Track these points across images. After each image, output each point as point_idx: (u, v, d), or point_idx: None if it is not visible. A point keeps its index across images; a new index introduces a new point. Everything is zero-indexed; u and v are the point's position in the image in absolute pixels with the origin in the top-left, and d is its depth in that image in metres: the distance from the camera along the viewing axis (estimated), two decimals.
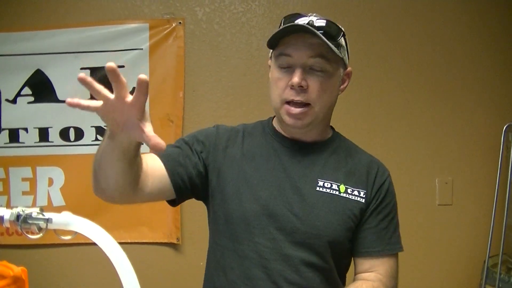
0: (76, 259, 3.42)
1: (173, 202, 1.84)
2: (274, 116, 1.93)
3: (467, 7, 3.45)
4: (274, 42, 1.73)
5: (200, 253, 3.35)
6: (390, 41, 3.45)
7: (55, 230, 0.84)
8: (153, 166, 1.72)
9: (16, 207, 0.82)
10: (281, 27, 1.70)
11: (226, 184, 1.79)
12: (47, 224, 0.78)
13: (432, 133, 3.46)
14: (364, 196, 1.80)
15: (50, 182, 3.43)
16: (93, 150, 3.29)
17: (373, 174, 1.85)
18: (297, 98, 1.69)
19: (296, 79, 1.66)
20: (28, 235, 0.79)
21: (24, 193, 3.44)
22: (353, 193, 1.79)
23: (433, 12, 3.45)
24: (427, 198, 3.46)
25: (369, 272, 1.82)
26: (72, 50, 3.40)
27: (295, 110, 1.71)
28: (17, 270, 0.80)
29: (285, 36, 1.70)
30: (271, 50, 1.80)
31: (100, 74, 3.34)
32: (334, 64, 1.73)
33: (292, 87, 1.69)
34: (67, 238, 0.84)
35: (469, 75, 3.46)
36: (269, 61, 1.84)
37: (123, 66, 3.35)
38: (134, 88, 3.30)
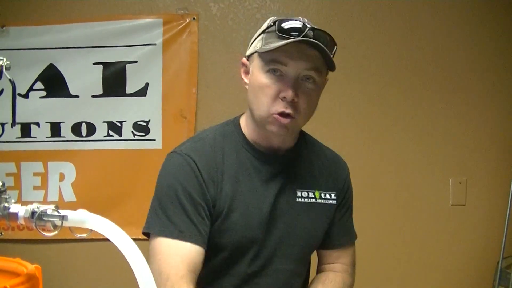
0: (89, 255, 3.41)
1: None
2: (239, 119, 1.85)
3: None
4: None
5: None
6: (404, 37, 3.42)
7: (70, 228, 0.82)
8: (195, 258, 1.62)
9: (31, 203, 0.80)
10: (284, 42, 1.57)
11: (219, 214, 1.70)
12: (62, 222, 0.76)
13: (446, 133, 3.44)
14: (335, 197, 1.86)
15: (62, 177, 3.42)
16: (105, 145, 3.36)
17: (339, 173, 1.90)
18: (288, 111, 1.61)
19: (290, 93, 1.58)
20: (43, 232, 0.77)
21: (35, 188, 3.43)
22: (325, 197, 1.84)
23: (451, 6, 3.42)
24: (441, 198, 3.44)
25: (334, 263, 1.91)
26: (85, 44, 3.38)
27: (285, 121, 1.62)
28: (31, 268, 0.79)
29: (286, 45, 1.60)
30: (253, 51, 1.72)
31: (113, 69, 3.34)
32: (323, 75, 1.68)
33: (283, 99, 1.61)
34: (82, 236, 0.82)
35: (485, 74, 3.43)
36: (244, 59, 1.77)
37: (136, 62, 3.34)
38: (147, 83, 3.32)
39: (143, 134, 3.38)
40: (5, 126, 3.39)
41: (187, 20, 3.38)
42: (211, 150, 1.74)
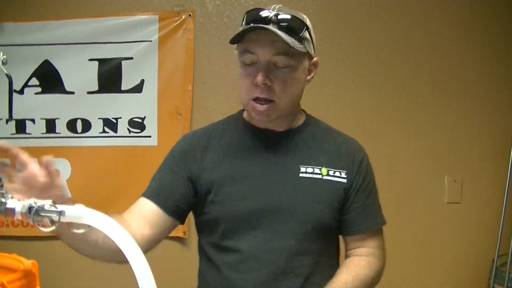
0: None
1: (180, 223, 1.88)
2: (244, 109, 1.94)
3: None
4: (237, 39, 1.72)
5: None
6: (400, 35, 3.42)
7: (67, 223, 0.82)
8: (149, 215, 1.78)
9: (28, 198, 0.79)
10: (241, 28, 1.70)
11: (211, 187, 1.80)
12: (59, 217, 0.76)
13: (441, 131, 3.43)
14: (346, 176, 1.83)
15: (56, 174, 3.40)
16: (100, 142, 3.35)
17: (352, 154, 1.88)
18: (262, 96, 1.70)
19: (259, 77, 1.67)
20: (41, 228, 0.77)
21: None
22: (335, 175, 1.82)
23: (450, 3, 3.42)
24: (436, 196, 3.44)
25: (359, 247, 1.90)
26: (80, 41, 3.37)
27: (261, 107, 1.72)
28: (27, 263, 0.78)
29: (249, 32, 1.68)
30: (236, 45, 1.78)
31: (108, 65, 3.33)
32: (298, 58, 1.72)
33: (257, 85, 1.69)
34: (80, 231, 0.82)
35: (481, 72, 3.43)
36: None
37: (131, 58, 3.34)
38: (142, 80, 3.31)
39: (139, 130, 3.37)
40: (0, 122, 3.37)
41: (183, 17, 3.37)
42: (207, 132, 1.92)
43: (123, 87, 3.37)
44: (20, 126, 3.41)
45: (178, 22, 3.38)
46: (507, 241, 3.05)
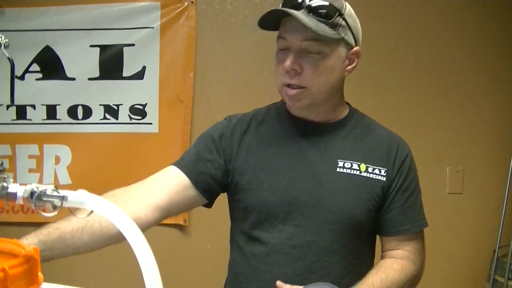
0: None
1: (206, 205, 1.83)
2: None
3: None
4: (271, 25, 1.71)
5: (207, 236, 3.37)
6: (402, 30, 3.41)
7: (69, 208, 0.81)
8: (175, 184, 1.74)
9: (30, 183, 0.78)
10: (265, 12, 1.66)
11: (245, 173, 1.77)
12: (62, 202, 0.75)
13: (443, 122, 3.42)
14: (385, 174, 1.76)
15: (57, 160, 3.41)
16: (101, 128, 3.34)
17: (394, 151, 1.80)
18: (292, 82, 1.67)
19: (287, 62, 1.64)
20: (43, 213, 0.75)
21: (30, 170, 3.41)
22: (374, 172, 1.75)
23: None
24: (437, 187, 3.43)
25: (396, 250, 1.81)
26: (82, 27, 3.35)
27: (291, 92, 1.68)
28: (29, 249, 0.77)
29: (272, 16, 1.66)
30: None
31: (110, 52, 3.32)
32: (331, 45, 1.67)
33: (287, 70, 1.66)
34: (82, 216, 0.81)
35: (483, 63, 3.41)
36: None
37: (133, 45, 3.32)
38: (144, 67, 3.29)
39: (140, 117, 3.36)
40: (0, 108, 3.37)
41: (185, 4, 3.35)
42: (249, 117, 1.88)
43: (125, 74, 3.35)
44: (21, 112, 3.39)
45: (180, 9, 3.36)
46: (508, 232, 3.05)
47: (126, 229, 0.73)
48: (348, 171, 1.73)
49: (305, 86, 1.67)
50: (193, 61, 3.36)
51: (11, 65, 0.91)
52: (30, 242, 1.43)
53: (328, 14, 1.64)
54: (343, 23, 1.68)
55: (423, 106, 3.42)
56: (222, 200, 1.89)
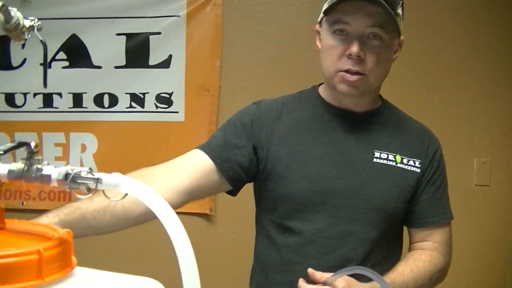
0: None
1: (231, 193, 1.81)
2: (319, 85, 1.88)
3: None
4: (330, 8, 1.66)
5: (233, 225, 3.36)
6: (438, 13, 3.36)
7: (103, 191, 0.80)
8: (200, 168, 1.71)
9: (65, 166, 0.78)
10: None
11: (276, 162, 1.74)
12: (96, 185, 0.74)
13: (471, 113, 3.39)
14: (419, 166, 1.76)
15: (83, 148, 3.42)
16: (127, 117, 3.35)
17: (426, 143, 1.82)
18: (354, 68, 1.63)
19: (355, 49, 1.60)
20: (77, 195, 0.75)
21: (56, 158, 3.42)
22: (408, 163, 1.75)
23: None
24: (465, 178, 3.39)
25: (424, 241, 1.81)
26: (108, 15, 3.35)
27: (352, 77, 1.64)
28: (62, 231, 0.77)
29: (343, 2, 1.62)
30: (322, 15, 1.73)
31: (136, 40, 3.31)
32: (391, 34, 1.67)
33: (349, 56, 1.63)
34: (116, 200, 0.80)
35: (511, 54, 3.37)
36: (317, 26, 1.78)
37: (159, 33, 3.32)
38: (170, 55, 3.28)
39: (166, 106, 3.35)
40: (27, 96, 3.39)
41: None
42: (281, 103, 1.83)
43: (151, 62, 3.35)
44: (48, 100, 3.40)
45: None
46: None
47: (162, 213, 0.73)
48: (384, 162, 1.73)
49: (365, 74, 1.65)
50: (220, 49, 3.35)
51: (44, 48, 0.91)
52: (51, 220, 1.43)
53: (394, 3, 1.64)
54: (400, 12, 1.69)
55: (450, 98, 3.39)
56: (248, 189, 1.88)
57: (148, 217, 1.55)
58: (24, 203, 3.40)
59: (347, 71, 1.64)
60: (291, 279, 1.67)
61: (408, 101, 3.33)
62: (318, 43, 1.78)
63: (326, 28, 1.70)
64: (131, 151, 3.39)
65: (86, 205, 1.52)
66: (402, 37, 1.76)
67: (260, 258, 1.87)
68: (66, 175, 0.75)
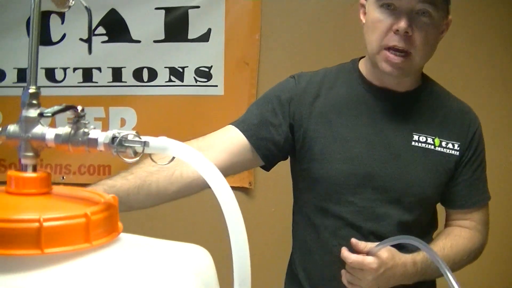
0: None
1: (265, 168, 1.80)
2: (360, 59, 1.84)
3: None
4: None
5: (272, 199, 3.35)
6: None
7: (150, 155, 0.79)
8: (235, 145, 1.70)
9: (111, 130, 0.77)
10: None
11: (314, 142, 1.72)
12: (143, 148, 0.73)
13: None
14: (458, 148, 1.73)
15: (123, 122, 3.43)
16: (166, 91, 3.35)
17: (466, 124, 1.78)
18: (400, 45, 1.59)
19: (403, 24, 1.55)
20: (125, 159, 0.74)
21: None
22: (447, 146, 1.73)
23: None
24: (504, 157, 3.31)
25: (463, 220, 1.80)
26: None
27: (396, 59, 1.60)
28: (108, 197, 0.77)
29: None
30: None
31: (175, 14, 3.30)
32: (440, 12, 1.62)
33: (396, 32, 1.58)
34: (164, 164, 0.79)
35: None
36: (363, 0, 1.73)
37: (198, 7, 3.30)
38: (209, 29, 3.26)
39: (205, 80, 3.34)
40: (67, 70, 3.40)
41: None
42: (319, 78, 1.79)
43: (190, 36, 3.33)
44: (87, 75, 3.41)
45: None
46: None
47: (211, 176, 0.71)
48: (423, 145, 1.71)
49: (411, 52, 1.60)
50: (259, 22, 3.32)
51: (88, 14, 0.90)
52: None
53: None
54: None
55: (489, 75, 3.32)
56: (287, 164, 1.87)
57: (182, 194, 1.59)
58: (64, 177, 3.43)
59: (393, 47, 1.60)
60: (328, 260, 1.69)
61: (450, 78, 3.30)
62: (362, 17, 1.74)
63: (372, 2, 1.64)
64: (170, 125, 3.38)
65: (120, 183, 1.52)
66: (450, 17, 1.71)
67: (298, 236, 1.87)
68: (113, 138, 0.74)
